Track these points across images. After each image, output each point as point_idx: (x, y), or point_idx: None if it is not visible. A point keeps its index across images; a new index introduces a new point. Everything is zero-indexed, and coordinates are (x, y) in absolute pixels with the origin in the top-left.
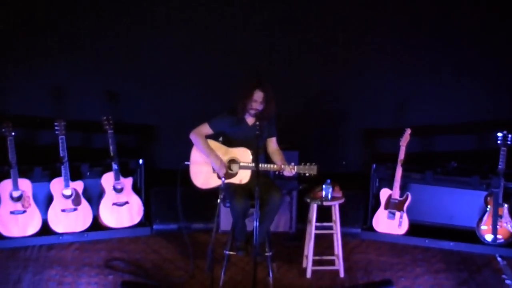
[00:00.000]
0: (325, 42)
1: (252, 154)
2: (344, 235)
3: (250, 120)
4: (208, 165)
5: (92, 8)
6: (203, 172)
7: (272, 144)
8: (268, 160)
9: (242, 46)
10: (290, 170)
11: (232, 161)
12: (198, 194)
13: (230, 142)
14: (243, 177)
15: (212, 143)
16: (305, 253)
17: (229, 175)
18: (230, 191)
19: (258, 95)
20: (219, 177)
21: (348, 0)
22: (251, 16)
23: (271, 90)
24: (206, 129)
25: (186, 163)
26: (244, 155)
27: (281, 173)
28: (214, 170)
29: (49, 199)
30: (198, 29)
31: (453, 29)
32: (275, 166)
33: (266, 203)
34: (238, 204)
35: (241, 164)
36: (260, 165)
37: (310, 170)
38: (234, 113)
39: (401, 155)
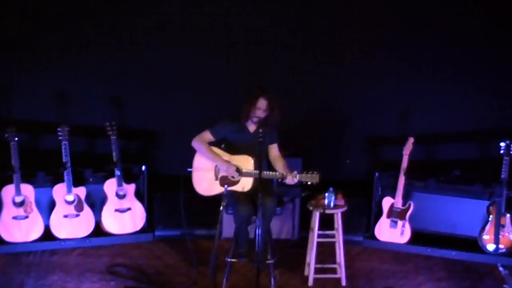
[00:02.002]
0: (329, 49)
1: (254, 162)
2: (346, 243)
3: (252, 127)
4: (211, 172)
5: (96, 13)
6: (206, 179)
7: (274, 151)
8: (270, 166)
9: (246, 52)
10: (292, 178)
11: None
12: (200, 200)
13: (231, 149)
14: (245, 184)
15: (214, 150)
16: (307, 260)
17: (231, 183)
18: (234, 198)
19: (262, 103)
20: (222, 185)
21: (351, 7)
22: (256, 22)
23: (275, 98)
24: (207, 136)
25: (188, 169)
26: (246, 162)
27: (283, 181)
28: (216, 178)
29: (52, 204)
30: (203, 35)
31: (456, 36)
32: (278, 173)
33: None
34: (243, 211)
35: (244, 171)
36: (264, 172)
37: (312, 178)
38: (235, 119)
39: (404, 163)
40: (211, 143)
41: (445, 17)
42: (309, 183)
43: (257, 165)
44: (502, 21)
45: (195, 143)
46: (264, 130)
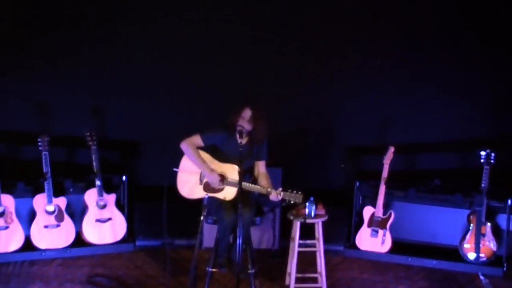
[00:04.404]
0: (312, 61)
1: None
2: (327, 253)
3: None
4: (196, 175)
5: (76, 23)
6: (190, 181)
7: (261, 168)
8: (254, 181)
9: (228, 63)
10: (276, 195)
11: (220, 176)
12: (181, 210)
13: (219, 157)
14: (228, 194)
15: (202, 154)
16: (288, 270)
17: (214, 190)
18: (216, 205)
19: (246, 113)
20: (206, 190)
21: (334, 19)
22: (239, 34)
23: (261, 111)
24: (197, 140)
25: (174, 169)
26: (232, 172)
27: (269, 196)
28: (201, 182)
29: (32, 215)
30: (183, 45)
31: (437, 47)
32: (263, 188)
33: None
34: (228, 218)
35: (229, 180)
36: (248, 185)
37: (296, 198)
38: (226, 128)
39: (385, 173)
40: (199, 148)
41: (425, 28)
42: (292, 201)
43: (240, 176)
44: (482, 32)
45: (183, 146)
46: (251, 144)
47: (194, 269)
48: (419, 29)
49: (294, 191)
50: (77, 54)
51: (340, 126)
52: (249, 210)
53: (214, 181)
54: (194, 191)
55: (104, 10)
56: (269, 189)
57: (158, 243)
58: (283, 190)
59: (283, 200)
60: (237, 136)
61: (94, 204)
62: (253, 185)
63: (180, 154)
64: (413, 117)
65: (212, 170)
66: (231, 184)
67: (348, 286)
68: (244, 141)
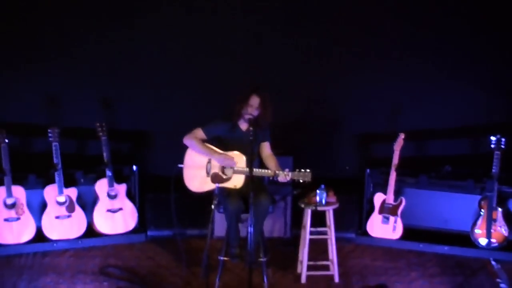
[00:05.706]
0: (320, 49)
1: (247, 159)
2: (338, 240)
3: (244, 126)
4: (202, 169)
5: (86, 15)
6: (197, 176)
7: (266, 149)
8: (262, 165)
9: (237, 52)
10: (284, 176)
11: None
12: (192, 200)
13: (223, 147)
14: (237, 182)
15: (207, 145)
16: (300, 258)
17: (223, 180)
18: (224, 194)
19: (254, 100)
20: (214, 181)
21: (342, 7)
22: (247, 23)
23: (268, 97)
24: (200, 133)
25: (179, 165)
26: (238, 160)
27: (275, 179)
28: (207, 174)
29: (43, 206)
30: (192, 35)
31: (445, 33)
32: (270, 171)
33: (255, 207)
34: (232, 205)
35: (236, 169)
36: (254, 170)
37: (304, 176)
38: (228, 118)
39: (395, 159)
40: (202, 141)
41: (432, 14)
42: (301, 181)
43: (249, 164)
44: (490, 17)
45: (187, 140)
46: (256, 128)
47: (206, 258)
48: (429, 15)
49: (302, 170)
50: (87, 45)
51: (350, 115)
52: (267, 197)
53: (230, 163)
54: (203, 184)
55: (114, 1)
56: (276, 171)
57: (170, 234)
58: (290, 171)
59: (294, 186)
60: (245, 125)
61: (105, 194)
62: (261, 170)
63: None
64: (424, 103)
65: (224, 154)
66: (239, 172)
67: (360, 273)
68: (249, 127)
